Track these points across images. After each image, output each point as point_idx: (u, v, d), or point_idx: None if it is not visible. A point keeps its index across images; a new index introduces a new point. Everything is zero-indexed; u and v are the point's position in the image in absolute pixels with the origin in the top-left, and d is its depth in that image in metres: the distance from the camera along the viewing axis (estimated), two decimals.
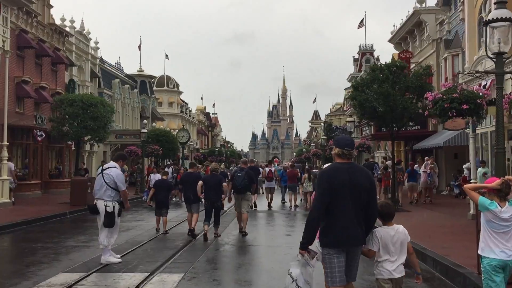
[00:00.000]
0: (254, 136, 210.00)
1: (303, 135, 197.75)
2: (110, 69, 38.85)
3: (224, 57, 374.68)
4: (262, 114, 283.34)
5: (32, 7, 24.24)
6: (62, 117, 19.92)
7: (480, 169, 15.84)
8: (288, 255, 8.23)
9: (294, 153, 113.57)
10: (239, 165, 17.38)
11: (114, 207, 8.14)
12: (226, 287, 6.79)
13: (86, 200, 18.54)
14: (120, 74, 40.99)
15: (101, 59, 36.74)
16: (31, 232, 12.51)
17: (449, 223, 12.36)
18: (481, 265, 4.69)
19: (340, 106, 66.53)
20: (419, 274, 4.67)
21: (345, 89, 62.51)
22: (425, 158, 20.04)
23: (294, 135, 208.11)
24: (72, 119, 19.70)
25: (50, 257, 8.91)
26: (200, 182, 11.01)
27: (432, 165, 19.07)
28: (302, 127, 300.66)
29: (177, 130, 42.29)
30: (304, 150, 67.34)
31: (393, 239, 4.50)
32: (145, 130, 29.00)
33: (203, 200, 11.26)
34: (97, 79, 34.41)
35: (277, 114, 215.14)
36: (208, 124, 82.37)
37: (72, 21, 30.86)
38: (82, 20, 32.97)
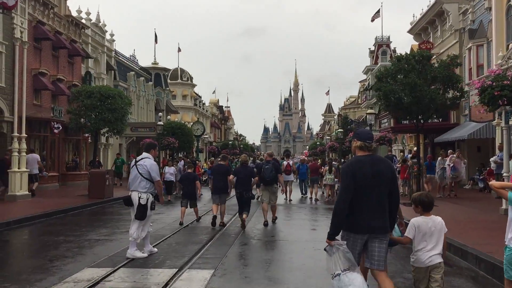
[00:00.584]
0: (265, 130, 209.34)
1: (315, 128, 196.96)
2: (125, 61, 38.71)
3: (236, 51, 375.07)
4: (274, 108, 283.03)
5: None
6: (80, 109, 19.73)
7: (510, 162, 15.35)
8: (318, 251, 7.91)
9: (307, 147, 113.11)
10: (262, 157, 18.09)
11: (147, 199, 7.89)
12: (259, 285, 6.47)
13: (104, 193, 18.47)
14: (135, 67, 40.85)
15: (116, 52, 36.57)
16: (51, 225, 12.33)
17: (481, 218, 11.93)
18: (504, 254, 4.76)
19: (354, 99, 65.82)
20: (446, 262, 4.92)
21: (360, 81, 61.81)
22: (449, 151, 19.50)
23: (306, 129, 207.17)
24: (90, 111, 19.50)
25: (74, 251, 8.68)
26: (231, 176, 11.56)
27: (456, 159, 18.48)
28: (313, 121, 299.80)
29: (191, 123, 42.08)
30: (318, 143, 66.74)
31: (430, 229, 4.70)
32: (161, 123, 28.82)
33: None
34: (113, 71, 34.27)
35: (289, 107, 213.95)
36: (221, 117, 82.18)
37: (88, 13, 30.70)
38: (98, 12, 32.79)
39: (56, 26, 25.41)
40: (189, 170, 13.26)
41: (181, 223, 11.83)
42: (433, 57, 22.49)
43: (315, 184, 19.51)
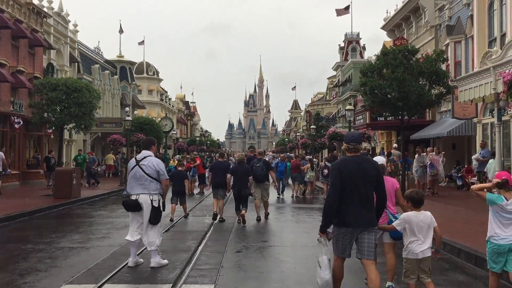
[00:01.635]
0: (230, 126, 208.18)
1: (280, 124, 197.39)
2: (89, 53, 37.02)
3: (200, 47, 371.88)
4: (239, 104, 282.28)
5: None
6: (44, 103, 18.36)
7: (491, 161, 15.17)
8: None
9: (274, 143, 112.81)
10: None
11: (159, 200, 7.06)
12: None
13: (71, 193, 17.22)
14: (99, 60, 39.17)
15: (80, 43, 34.86)
16: (16, 230, 11.16)
17: (475, 219, 11.54)
18: (487, 247, 5.23)
19: (322, 95, 65.83)
20: (438, 250, 5.31)
21: (328, 78, 61.84)
22: (428, 149, 19.26)
23: (270, 125, 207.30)
24: (55, 104, 18.18)
25: (46, 263, 7.65)
26: (228, 175, 12.04)
27: (435, 156, 18.21)
28: (278, 117, 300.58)
29: (159, 119, 40.76)
30: (286, 140, 66.43)
31: (420, 223, 5.08)
32: (129, 118, 27.54)
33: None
34: (77, 64, 32.61)
35: (254, 103, 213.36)
36: (187, 113, 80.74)
37: (50, 1, 28.98)
38: (61, 1, 31.01)
39: (16, 14, 23.74)
40: (180, 168, 13.78)
41: (171, 220, 11.87)
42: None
43: (296, 181, 19.50)
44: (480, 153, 16.51)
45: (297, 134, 53.59)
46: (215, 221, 11.83)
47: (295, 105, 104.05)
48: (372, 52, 50.11)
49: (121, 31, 44.83)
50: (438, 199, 16.26)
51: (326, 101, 59.55)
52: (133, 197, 7.03)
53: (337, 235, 5.03)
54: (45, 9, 27.40)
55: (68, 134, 29.30)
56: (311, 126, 33.65)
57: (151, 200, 6.93)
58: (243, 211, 11.64)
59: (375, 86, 14.23)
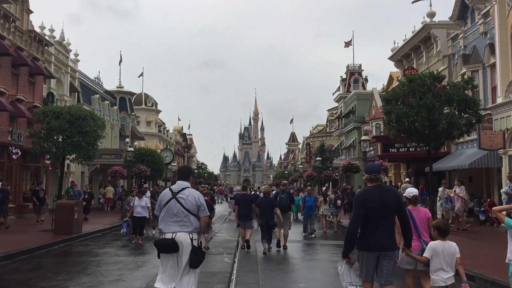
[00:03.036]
0: (225, 158, 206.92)
1: (275, 157, 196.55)
2: (89, 83, 36.28)
3: (195, 82, 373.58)
4: (233, 137, 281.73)
5: (10, 10, 21.79)
6: (46, 132, 17.34)
7: None
8: None
9: (271, 176, 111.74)
10: (273, 187, 16.94)
11: (198, 239, 5.91)
12: None
13: (72, 228, 16.02)
14: (99, 90, 38.41)
15: (81, 73, 34.14)
16: (17, 271, 9.95)
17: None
18: (509, 271, 5.43)
19: (322, 127, 65.23)
20: (465, 282, 5.42)
21: (329, 110, 61.40)
22: (443, 182, 18.30)
23: (265, 158, 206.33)
24: (57, 133, 17.17)
25: None
26: (253, 205, 12.91)
27: (456, 190, 17.21)
28: (273, 150, 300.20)
29: (160, 150, 39.73)
30: (286, 172, 65.39)
31: (444, 252, 5.48)
32: (131, 149, 26.49)
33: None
34: (77, 93, 31.75)
35: (249, 136, 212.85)
36: (185, 145, 79.73)
37: (51, 30, 28.39)
38: (62, 30, 30.49)
39: (17, 41, 22.99)
40: (206, 198, 13.14)
41: (207, 248, 12.44)
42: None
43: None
44: (509, 186, 15.57)
45: (299, 166, 52.58)
46: (246, 249, 12.68)
47: (293, 137, 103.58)
48: (373, 84, 50.24)
49: (120, 61, 44.31)
50: (463, 235, 15.20)
51: (327, 133, 58.86)
52: (168, 236, 5.79)
53: (361, 259, 5.38)
54: (46, 37, 26.74)
55: (66, 166, 28.19)
56: (317, 158, 32.80)
57: (191, 239, 5.75)
58: (264, 244, 12.38)
59: (402, 114, 13.38)
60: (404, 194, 6.74)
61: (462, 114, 14.01)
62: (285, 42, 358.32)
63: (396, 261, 5.52)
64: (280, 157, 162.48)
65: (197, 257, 5.74)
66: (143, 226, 15.03)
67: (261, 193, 14.95)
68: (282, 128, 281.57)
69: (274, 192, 19.30)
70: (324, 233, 17.77)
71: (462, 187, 16.55)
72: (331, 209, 18.70)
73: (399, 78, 30.58)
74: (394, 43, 30.70)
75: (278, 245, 12.89)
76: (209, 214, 6.18)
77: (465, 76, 20.80)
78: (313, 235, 15.97)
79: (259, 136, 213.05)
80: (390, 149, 24.39)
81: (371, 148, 25.83)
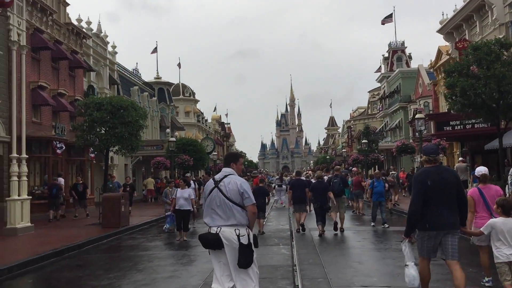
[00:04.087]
0: (263, 146, 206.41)
1: (313, 143, 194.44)
2: (128, 75, 36.14)
3: (231, 71, 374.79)
4: (271, 124, 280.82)
5: (47, 3, 21.55)
6: (89, 124, 16.98)
7: None
8: None
9: (311, 162, 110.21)
10: (332, 172, 17.08)
11: (248, 235, 4.96)
12: None
13: (119, 221, 15.64)
14: (138, 81, 38.26)
15: (119, 65, 33.99)
16: (66, 269, 9.50)
17: None
18: None
19: (363, 109, 63.42)
20: None
21: (370, 91, 59.57)
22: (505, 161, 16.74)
23: (303, 144, 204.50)
24: (100, 125, 16.78)
25: None
26: (307, 189, 13.57)
27: None
28: (310, 136, 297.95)
29: (201, 139, 39.36)
30: (328, 157, 64.07)
31: (507, 227, 5.49)
32: (173, 139, 26.12)
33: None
34: (116, 86, 31.60)
35: (286, 123, 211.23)
36: (223, 134, 79.56)
37: (88, 23, 28.15)
38: (99, 22, 30.28)
39: (56, 35, 22.80)
40: (261, 184, 14.78)
41: (262, 233, 13.21)
42: None
43: (359, 198, 18.84)
44: None
45: (342, 150, 51.20)
46: (300, 232, 13.19)
47: (332, 121, 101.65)
48: (417, 62, 47.71)
49: (155, 51, 44.01)
50: None
51: (369, 115, 57.16)
52: (213, 230, 4.99)
53: (422, 238, 5.48)
54: (84, 30, 26.53)
55: (110, 159, 28.12)
56: (363, 141, 31.53)
57: (238, 236, 4.87)
58: (320, 226, 12.73)
59: (468, 86, 12.12)
60: (474, 173, 7.30)
61: None
62: (317, 28, 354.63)
63: (459, 237, 5.49)
64: (319, 143, 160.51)
65: (245, 256, 4.84)
66: (188, 220, 13.09)
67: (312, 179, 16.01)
68: (319, 114, 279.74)
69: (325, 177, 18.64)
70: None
71: None
72: None
73: (449, 52, 28.80)
74: (443, 14, 28.92)
75: (335, 228, 13.10)
76: (254, 202, 5.06)
77: None
78: (387, 225, 14.02)
79: (296, 123, 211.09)
80: (445, 127, 22.92)
81: (424, 127, 24.29)
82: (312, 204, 13.88)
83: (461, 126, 22.47)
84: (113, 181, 20.62)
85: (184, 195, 12.94)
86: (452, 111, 15.30)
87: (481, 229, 5.72)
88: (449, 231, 5.37)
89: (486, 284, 6.69)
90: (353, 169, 18.31)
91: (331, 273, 7.96)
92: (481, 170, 6.95)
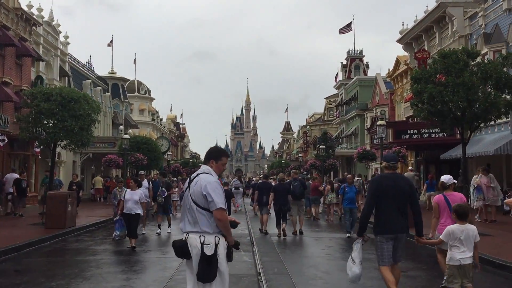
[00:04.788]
0: None
1: (267, 147, 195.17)
2: (80, 68, 34.43)
3: (187, 73, 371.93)
4: (225, 127, 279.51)
5: None
6: (35, 116, 15.69)
7: None
8: None
9: (266, 166, 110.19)
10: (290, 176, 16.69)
11: (216, 245, 4.24)
12: None
13: (65, 221, 14.48)
14: (91, 75, 36.55)
15: (71, 56, 32.31)
16: (2, 275, 8.42)
17: None
18: None
19: (320, 116, 63.88)
20: (476, 264, 5.73)
21: (326, 98, 60.05)
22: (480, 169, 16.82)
23: (257, 148, 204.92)
24: (48, 117, 15.54)
25: None
26: (271, 193, 13.51)
27: (482, 179, 15.69)
28: (265, 140, 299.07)
29: (155, 138, 38.11)
30: (283, 161, 64.02)
31: (462, 234, 5.63)
32: (127, 136, 24.93)
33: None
34: (67, 78, 29.93)
35: (241, 126, 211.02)
36: (178, 134, 78.00)
37: (40, 10, 26.50)
38: (51, 10, 28.56)
39: (3, 20, 21.19)
40: (225, 188, 14.56)
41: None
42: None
43: (317, 204, 19.00)
44: None
45: (299, 155, 51.18)
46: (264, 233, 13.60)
47: (287, 126, 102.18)
48: (374, 71, 48.53)
49: (111, 44, 42.32)
50: (491, 226, 13.90)
51: (325, 121, 57.55)
52: (183, 237, 4.36)
53: (380, 242, 5.73)
54: (34, 17, 24.89)
55: (57, 155, 26.51)
56: (320, 146, 31.44)
57: (201, 244, 4.20)
58: (283, 225, 13.09)
59: (436, 93, 11.94)
60: (441, 180, 7.17)
61: (500, 93, 12.61)
62: (275, 34, 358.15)
63: (404, 241, 5.90)
64: (273, 147, 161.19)
65: (206, 269, 4.14)
66: (136, 225, 11.27)
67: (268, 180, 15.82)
68: (274, 119, 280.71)
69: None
70: (330, 221, 17.73)
71: (491, 175, 15.12)
72: (337, 198, 18.30)
73: (407, 62, 29.20)
74: (403, 25, 29.27)
75: (295, 232, 13.55)
76: (221, 206, 4.27)
77: (485, 57, 19.43)
78: (352, 233, 12.79)
79: (251, 126, 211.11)
80: (403, 136, 23.04)
81: (384, 134, 24.33)
82: (272, 206, 13.82)
83: (418, 135, 22.65)
84: (47, 178, 18.82)
85: (134, 197, 11.10)
86: (416, 119, 15.18)
87: (440, 236, 5.86)
88: (401, 236, 5.75)
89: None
90: (314, 174, 18.19)
91: (299, 284, 7.38)
92: (447, 178, 7.17)
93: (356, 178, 21.03)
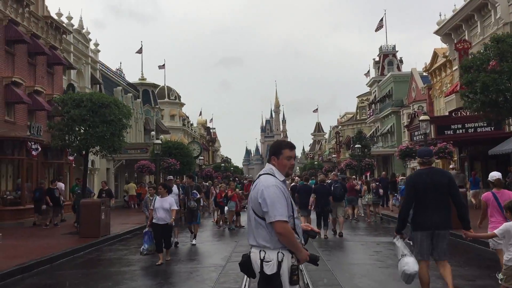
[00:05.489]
0: (247, 152, 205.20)
1: (297, 149, 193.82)
2: (111, 75, 34.44)
3: (215, 78, 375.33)
4: (255, 130, 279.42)
5: None
6: (66, 123, 15.39)
7: None
8: None
9: (298, 168, 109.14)
10: (329, 177, 15.77)
11: (280, 262, 3.42)
12: None
13: (99, 230, 14.07)
14: (122, 82, 36.56)
15: (102, 64, 32.32)
16: None
17: None
18: None
19: (352, 115, 62.51)
20: None
21: (358, 96, 58.69)
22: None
23: None
24: (79, 124, 15.21)
25: None
26: (312, 194, 13.60)
27: None
28: (295, 142, 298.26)
29: (187, 143, 37.82)
30: (315, 163, 62.95)
31: None
32: (158, 141, 24.57)
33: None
34: (98, 85, 29.91)
35: (271, 129, 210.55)
36: (209, 139, 77.95)
37: (69, 18, 26.55)
38: (81, 17, 28.78)
39: (33, 28, 21.16)
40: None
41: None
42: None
43: (354, 204, 18.93)
44: None
45: (333, 156, 50.04)
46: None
47: (318, 127, 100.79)
48: (408, 67, 46.70)
49: (141, 50, 42.37)
50: None
51: (357, 120, 56.21)
52: (249, 251, 3.62)
53: (416, 240, 5.78)
54: (64, 25, 24.88)
55: (90, 162, 26.42)
56: (356, 146, 30.39)
57: (261, 261, 3.43)
58: (325, 231, 13.22)
59: (490, 82, 10.92)
60: (488, 179, 7.10)
61: None
62: (301, 37, 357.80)
63: (448, 237, 5.81)
64: (303, 149, 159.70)
65: None
66: (169, 236, 10.16)
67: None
68: (303, 120, 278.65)
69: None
70: (370, 223, 17.67)
71: None
72: (374, 198, 18.66)
73: (446, 54, 27.86)
74: (440, 15, 27.98)
75: (335, 232, 13.66)
76: (279, 219, 3.40)
77: None
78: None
79: (281, 129, 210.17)
80: (446, 131, 21.79)
81: (428, 130, 23.12)
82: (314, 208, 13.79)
83: (463, 130, 21.39)
84: (77, 185, 18.29)
85: (164, 205, 9.85)
86: (467, 112, 14.11)
87: (495, 231, 5.65)
88: (439, 232, 5.65)
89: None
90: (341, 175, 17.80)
91: None
92: (495, 175, 7.05)
93: (400, 178, 20.31)
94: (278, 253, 3.41)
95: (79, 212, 14.76)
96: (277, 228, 3.39)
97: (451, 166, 22.74)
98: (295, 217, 3.54)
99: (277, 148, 3.68)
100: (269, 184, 3.50)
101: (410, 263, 5.42)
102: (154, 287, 7.82)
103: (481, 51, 12.13)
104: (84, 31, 28.62)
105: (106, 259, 11.01)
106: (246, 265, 3.54)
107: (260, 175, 3.64)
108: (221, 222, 17.36)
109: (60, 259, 10.74)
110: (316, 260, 3.60)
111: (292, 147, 3.67)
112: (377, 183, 19.92)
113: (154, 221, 9.86)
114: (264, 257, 3.40)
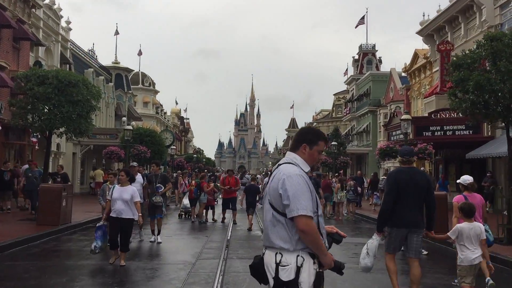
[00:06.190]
0: (220, 145, 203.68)
1: (271, 145, 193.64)
2: (83, 56, 32.95)
3: (191, 69, 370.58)
4: (229, 123, 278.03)
5: None
6: (28, 101, 14.23)
7: None
8: None
9: (270, 163, 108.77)
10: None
11: (299, 267, 2.83)
12: None
13: (59, 218, 13.05)
14: (94, 64, 35.07)
15: (73, 43, 30.84)
16: None
17: None
18: None
19: (328, 112, 62.30)
20: (488, 262, 6.10)
21: (335, 94, 58.45)
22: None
23: (261, 145, 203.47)
24: (43, 103, 14.08)
25: None
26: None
27: None
28: (268, 137, 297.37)
29: (159, 131, 36.67)
30: None
31: (470, 232, 5.63)
32: (129, 127, 23.46)
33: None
34: (68, 65, 28.46)
35: (245, 122, 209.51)
36: (182, 129, 76.59)
37: None
38: None
39: None
40: (252, 182, 15.21)
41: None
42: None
43: (327, 201, 18.69)
44: None
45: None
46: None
47: (293, 123, 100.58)
48: (387, 66, 46.53)
49: (117, 33, 40.85)
50: None
51: (333, 118, 55.98)
52: (262, 252, 3.07)
53: (389, 234, 5.92)
54: None
55: (55, 146, 25.09)
56: (332, 143, 29.93)
57: (277, 264, 2.86)
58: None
59: (484, 81, 10.40)
60: (459, 181, 7.37)
61: None
62: (279, 33, 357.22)
63: (421, 236, 5.91)
64: (276, 144, 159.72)
65: None
66: (129, 234, 8.43)
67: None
68: (278, 116, 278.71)
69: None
70: (339, 220, 17.56)
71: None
72: (350, 195, 18.50)
73: (427, 55, 27.60)
74: (424, 15, 27.68)
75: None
76: (303, 213, 2.83)
77: None
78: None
79: (255, 123, 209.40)
80: (424, 133, 21.48)
81: (399, 131, 22.79)
82: None
83: (441, 132, 21.14)
84: (33, 169, 16.53)
85: (123, 196, 8.23)
86: (456, 113, 13.63)
87: (448, 233, 5.84)
88: (414, 230, 5.78)
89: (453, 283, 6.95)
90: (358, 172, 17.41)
91: None
92: (467, 179, 7.35)
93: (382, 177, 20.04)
94: (297, 257, 2.84)
95: (33, 198, 13.69)
96: (299, 224, 2.82)
97: (421, 169, 22.46)
98: (319, 214, 2.95)
99: (313, 136, 3.11)
100: (292, 173, 2.92)
101: (366, 265, 5.78)
102: (113, 285, 6.95)
103: (473, 48, 11.63)
104: (55, 7, 27.12)
105: (64, 250, 10.06)
106: (258, 269, 2.97)
107: (280, 164, 3.03)
108: (195, 216, 16.36)
109: (12, 248, 9.75)
110: (341, 268, 3.02)
111: (327, 140, 3.32)
112: (354, 181, 19.88)
113: (111, 214, 8.28)
114: (280, 260, 2.87)
